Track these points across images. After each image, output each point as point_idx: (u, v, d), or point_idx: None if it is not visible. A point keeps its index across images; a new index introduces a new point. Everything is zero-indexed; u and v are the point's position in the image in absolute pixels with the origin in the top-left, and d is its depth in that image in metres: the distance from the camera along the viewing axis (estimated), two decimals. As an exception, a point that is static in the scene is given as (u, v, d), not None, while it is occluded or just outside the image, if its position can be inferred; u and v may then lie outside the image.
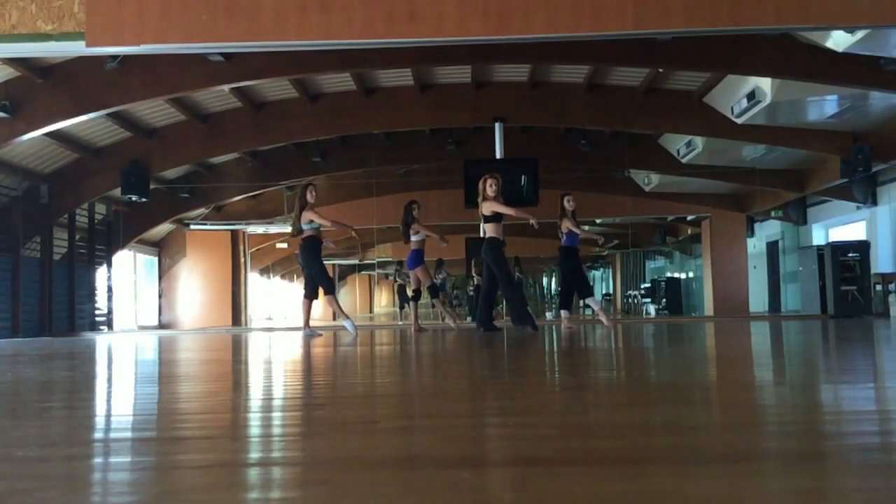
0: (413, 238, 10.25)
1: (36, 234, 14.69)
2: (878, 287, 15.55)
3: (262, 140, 15.02)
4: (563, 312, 10.00)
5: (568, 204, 9.53)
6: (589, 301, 10.20)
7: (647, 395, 2.82)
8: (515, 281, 9.23)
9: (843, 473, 1.49)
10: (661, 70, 12.64)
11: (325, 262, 9.72)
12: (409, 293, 20.63)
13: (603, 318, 10.22)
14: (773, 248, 22.30)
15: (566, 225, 9.44)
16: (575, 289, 9.99)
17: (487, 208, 8.59)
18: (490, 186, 8.60)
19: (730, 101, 13.01)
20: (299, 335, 9.20)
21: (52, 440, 2.10)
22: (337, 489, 1.42)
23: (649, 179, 18.98)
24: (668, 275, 28.14)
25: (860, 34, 8.71)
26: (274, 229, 20.65)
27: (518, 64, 12.77)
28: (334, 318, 32.93)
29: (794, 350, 5.58)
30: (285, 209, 19.89)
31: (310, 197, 9.01)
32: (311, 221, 8.92)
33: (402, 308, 22.92)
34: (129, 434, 2.24)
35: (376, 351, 6.04)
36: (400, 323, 19.96)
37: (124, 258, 19.06)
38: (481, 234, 8.98)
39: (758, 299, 21.58)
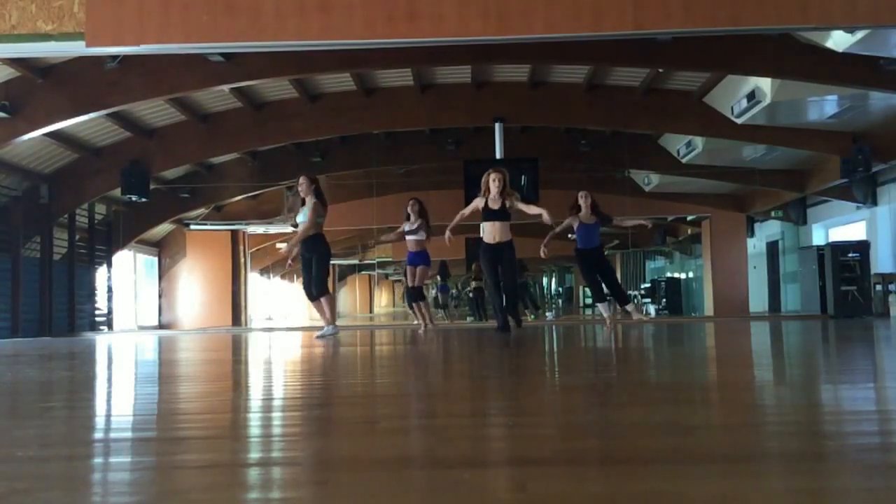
0: (410, 238, 9.96)
1: (36, 234, 14.69)
2: (878, 287, 15.54)
3: (262, 140, 15.02)
4: (628, 307, 9.74)
5: (583, 200, 9.41)
6: (601, 307, 9.96)
7: (647, 395, 2.82)
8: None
9: (843, 473, 1.49)
10: (661, 70, 12.64)
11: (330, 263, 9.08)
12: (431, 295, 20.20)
13: (608, 320, 9.75)
14: (773, 248, 22.30)
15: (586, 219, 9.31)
16: (607, 285, 9.67)
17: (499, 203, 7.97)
18: (494, 182, 7.95)
19: (730, 101, 13.01)
20: (317, 333, 8.51)
21: (53, 440, 2.10)
22: (336, 489, 1.42)
23: (649, 179, 18.98)
24: (668, 275, 28.15)
25: (860, 34, 8.71)
26: (274, 229, 20.65)
27: (518, 64, 12.77)
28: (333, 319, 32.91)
29: (794, 350, 5.58)
30: (285, 209, 19.90)
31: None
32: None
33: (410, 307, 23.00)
34: (129, 434, 2.24)
35: (376, 351, 6.05)
36: (416, 322, 19.93)
37: (124, 258, 19.06)
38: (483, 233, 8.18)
39: (758, 299, 21.59)
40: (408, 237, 9.94)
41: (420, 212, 9.95)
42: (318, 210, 8.24)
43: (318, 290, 8.16)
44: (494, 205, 7.98)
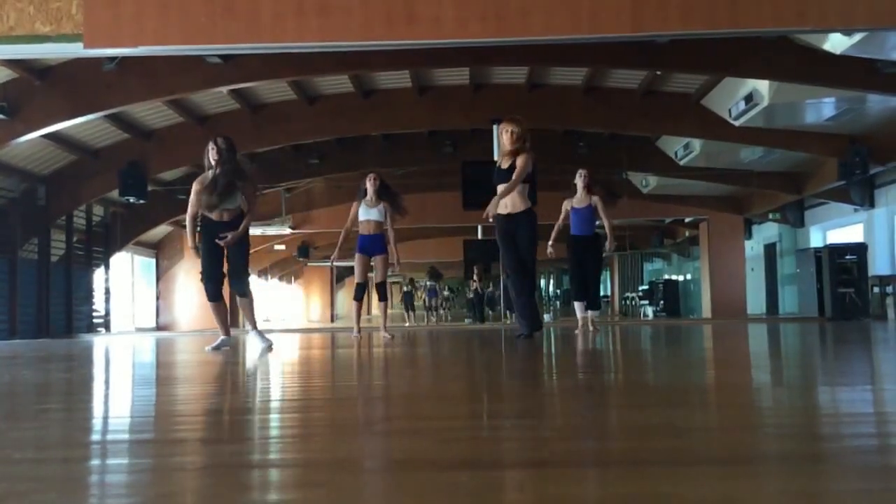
0: (365, 219, 8.25)
1: (33, 235, 14.69)
2: (876, 289, 15.56)
3: (260, 142, 15.03)
4: (592, 313, 9.04)
5: (580, 180, 8.86)
6: (577, 305, 9.09)
7: (645, 397, 2.82)
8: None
9: (840, 475, 1.49)
10: (658, 72, 12.66)
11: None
12: (423, 301, 19.01)
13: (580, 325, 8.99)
14: (770, 250, 22.34)
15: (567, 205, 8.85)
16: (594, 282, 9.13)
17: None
18: (505, 133, 6.72)
19: (727, 103, 13.03)
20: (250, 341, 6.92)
21: (50, 442, 2.10)
22: (335, 491, 1.42)
23: (647, 181, 19.01)
24: (666, 277, 28.19)
25: (857, 37, 8.74)
26: (272, 231, 20.65)
27: (516, 66, 12.78)
28: (332, 321, 32.87)
29: (791, 352, 5.59)
30: (283, 211, 19.90)
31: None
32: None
33: (407, 311, 23.52)
34: (126, 436, 2.23)
35: (374, 353, 6.04)
36: (407, 325, 20.12)
37: (122, 260, 19.05)
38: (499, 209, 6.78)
39: (755, 301, 21.62)
40: (362, 219, 8.21)
41: (381, 189, 8.23)
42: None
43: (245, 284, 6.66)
44: (505, 164, 6.76)
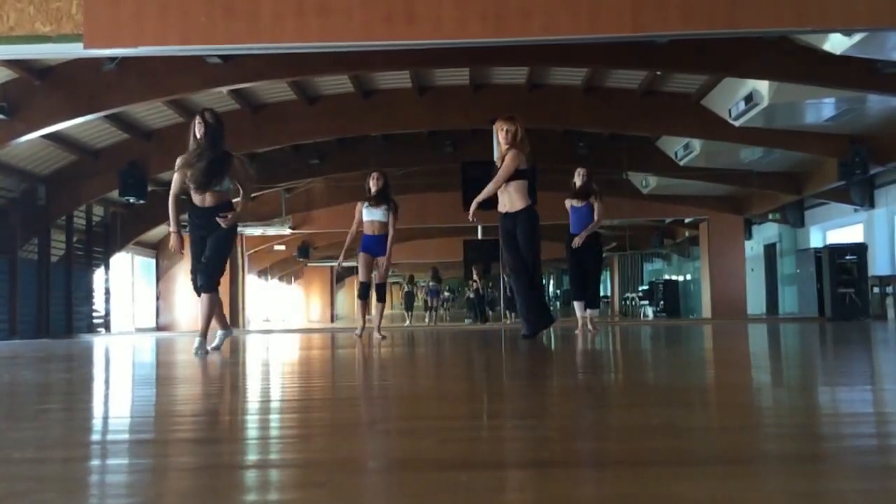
0: (370, 220, 8.22)
1: (33, 235, 14.69)
2: (876, 289, 15.57)
3: (260, 142, 15.03)
4: (591, 312, 8.97)
5: (579, 178, 8.87)
6: (577, 305, 9.04)
7: (645, 397, 2.82)
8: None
9: (840, 475, 1.49)
10: (658, 72, 12.66)
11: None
12: (423, 301, 18.79)
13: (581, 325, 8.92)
14: (770, 250, 22.34)
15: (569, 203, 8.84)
16: (595, 283, 9.13)
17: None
18: (502, 132, 6.63)
19: (727, 103, 13.04)
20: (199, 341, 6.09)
21: (50, 442, 2.10)
22: (335, 491, 1.42)
23: (647, 182, 19.01)
24: (666, 277, 28.19)
25: (857, 37, 8.74)
26: (272, 231, 20.65)
27: (516, 66, 12.78)
28: (332, 321, 32.79)
29: (791, 353, 5.59)
30: (283, 211, 19.90)
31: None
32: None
33: (408, 310, 23.71)
34: (126, 436, 2.23)
35: (373, 353, 6.04)
36: (406, 324, 20.19)
37: (122, 260, 19.04)
38: (502, 206, 6.77)
39: (755, 302, 21.62)
40: (367, 219, 8.18)
41: (382, 189, 8.17)
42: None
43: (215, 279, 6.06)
44: (501, 163, 6.69)
